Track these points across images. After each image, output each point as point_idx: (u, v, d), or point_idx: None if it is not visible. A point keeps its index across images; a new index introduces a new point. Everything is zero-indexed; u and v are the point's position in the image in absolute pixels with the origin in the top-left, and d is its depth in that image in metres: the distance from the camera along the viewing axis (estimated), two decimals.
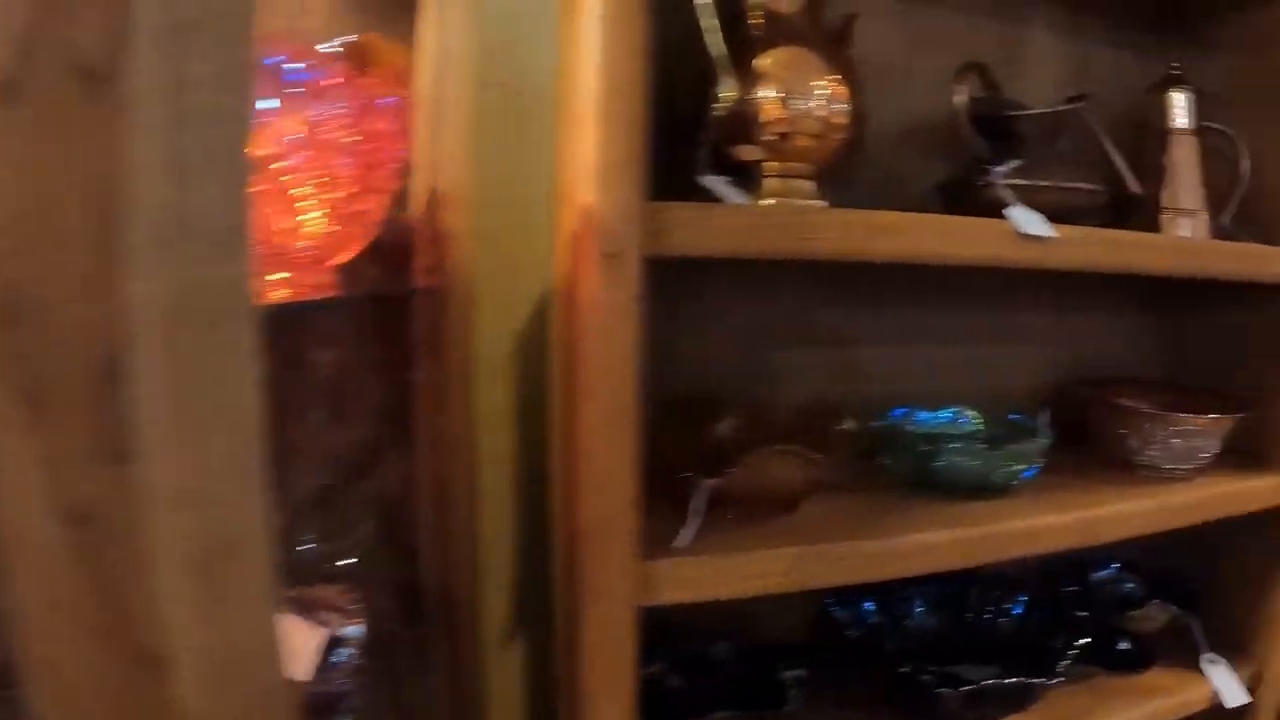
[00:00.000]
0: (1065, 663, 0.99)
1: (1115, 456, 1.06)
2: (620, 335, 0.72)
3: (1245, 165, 1.09)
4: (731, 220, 0.76)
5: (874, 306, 1.07)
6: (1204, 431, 1.04)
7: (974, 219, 0.85)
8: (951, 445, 0.91)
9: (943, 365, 1.10)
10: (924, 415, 1.02)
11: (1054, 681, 0.97)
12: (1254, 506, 1.06)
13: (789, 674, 0.97)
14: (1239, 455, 1.11)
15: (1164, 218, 1.07)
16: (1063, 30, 1.14)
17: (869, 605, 1.05)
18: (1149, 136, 1.10)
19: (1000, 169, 0.94)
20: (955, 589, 1.09)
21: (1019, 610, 1.08)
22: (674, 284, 0.98)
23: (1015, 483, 0.95)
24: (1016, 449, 0.92)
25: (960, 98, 0.94)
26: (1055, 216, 0.90)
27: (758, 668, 0.99)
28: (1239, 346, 1.17)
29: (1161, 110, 1.09)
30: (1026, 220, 0.86)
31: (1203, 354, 1.22)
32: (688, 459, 0.83)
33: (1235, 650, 1.14)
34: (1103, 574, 1.16)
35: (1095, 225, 0.96)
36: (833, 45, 0.88)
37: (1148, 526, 0.98)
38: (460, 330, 0.88)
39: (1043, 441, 0.95)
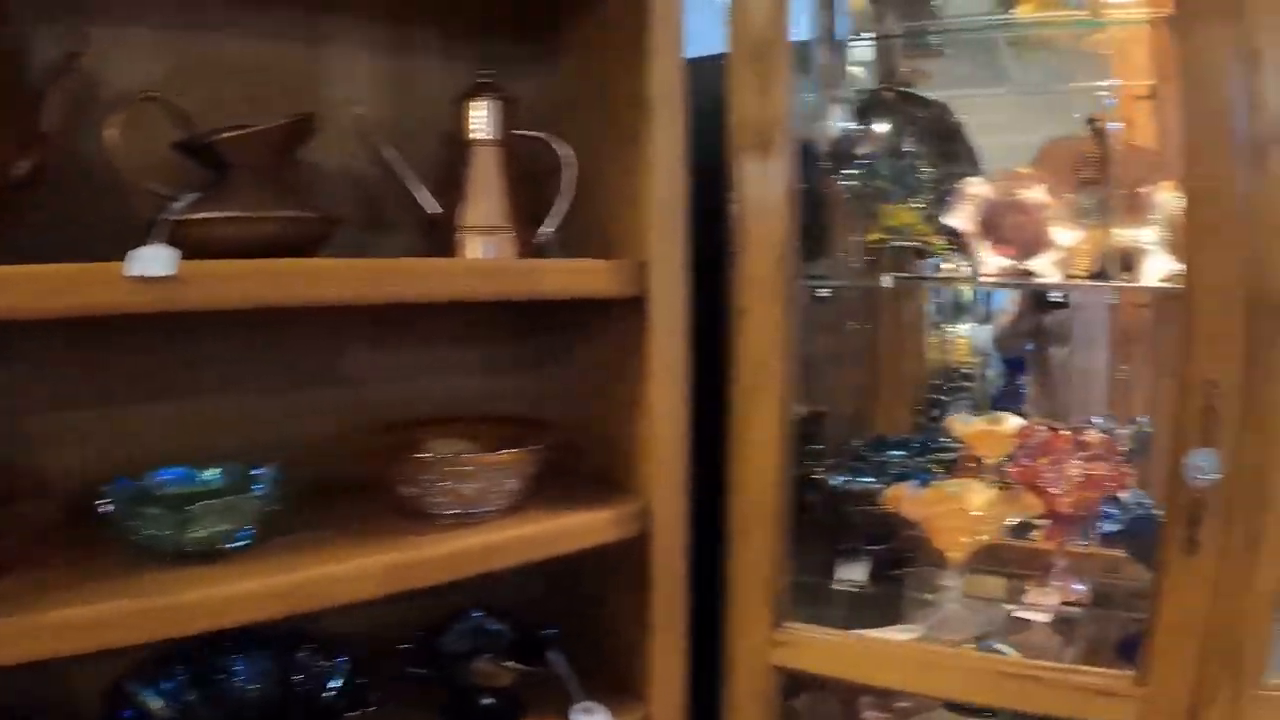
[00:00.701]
0: None
1: (407, 505, 0.97)
2: None
3: (569, 175, 1.00)
4: None
5: (150, 354, 1.00)
6: (492, 471, 0.94)
7: (57, 266, 0.78)
8: (138, 509, 0.84)
9: (250, 416, 1.03)
10: (170, 474, 0.94)
11: None
12: (568, 546, 0.96)
13: None
14: (598, 486, 1.02)
15: (459, 237, 0.99)
16: (382, 47, 1.06)
17: (176, 679, 0.98)
18: (454, 151, 1.02)
19: (177, 204, 0.87)
20: (279, 653, 1.01)
21: (342, 674, 1.00)
22: None
23: (235, 544, 0.87)
24: (191, 510, 0.84)
25: (111, 130, 0.87)
26: (259, 249, 0.84)
27: None
28: (580, 370, 1.07)
29: (464, 122, 1.01)
30: (144, 260, 0.79)
31: (559, 380, 1.12)
32: None
33: (624, 694, 1.04)
34: (463, 625, 1.06)
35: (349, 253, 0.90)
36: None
37: (406, 581, 0.88)
38: None
39: (255, 499, 0.87)
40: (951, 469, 1.16)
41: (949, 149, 1.09)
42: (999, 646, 1.09)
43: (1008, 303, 1.39)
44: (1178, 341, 0.96)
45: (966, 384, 1.43)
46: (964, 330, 1.44)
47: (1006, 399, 1.38)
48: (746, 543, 1.01)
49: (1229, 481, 0.96)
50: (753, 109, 0.99)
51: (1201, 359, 0.95)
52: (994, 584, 1.15)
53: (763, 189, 0.98)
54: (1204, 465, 0.94)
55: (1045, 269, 1.00)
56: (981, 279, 1.01)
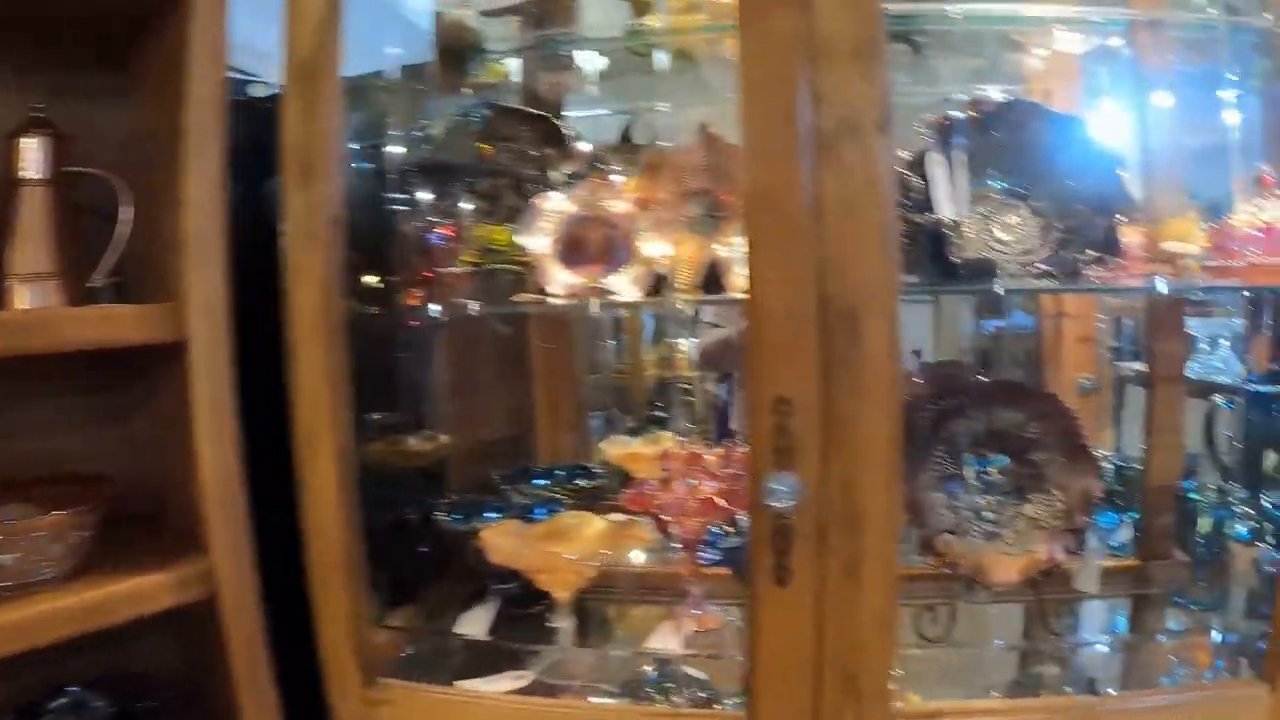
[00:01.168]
0: None
1: None
2: None
3: (126, 215, 0.96)
4: None
5: None
6: (29, 537, 0.87)
7: None
8: None
9: None
10: None
11: None
12: (125, 614, 0.88)
13: None
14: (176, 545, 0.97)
15: (7, 285, 0.94)
16: None
17: None
18: (6, 191, 0.97)
19: None
20: None
21: None
22: None
23: None
24: None
25: None
26: None
27: None
28: (155, 421, 1.01)
29: (13, 160, 0.96)
30: None
31: (144, 433, 1.06)
32: None
33: None
34: (59, 702, 0.99)
35: None
36: None
37: None
38: None
39: None
40: (597, 497, 1.09)
41: (559, 165, 1.03)
42: (689, 672, 1.03)
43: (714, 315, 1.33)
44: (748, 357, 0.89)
45: (688, 399, 1.37)
46: (684, 345, 1.38)
47: (715, 416, 1.32)
48: (326, 593, 0.95)
49: (817, 504, 0.89)
50: (298, 134, 0.94)
51: (771, 374, 0.88)
52: (650, 615, 1.08)
53: (308, 218, 0.93)
54: (782, 489, 0.87)
55: (621, 286, 0.94)
56: (551, 300, 0.94)
